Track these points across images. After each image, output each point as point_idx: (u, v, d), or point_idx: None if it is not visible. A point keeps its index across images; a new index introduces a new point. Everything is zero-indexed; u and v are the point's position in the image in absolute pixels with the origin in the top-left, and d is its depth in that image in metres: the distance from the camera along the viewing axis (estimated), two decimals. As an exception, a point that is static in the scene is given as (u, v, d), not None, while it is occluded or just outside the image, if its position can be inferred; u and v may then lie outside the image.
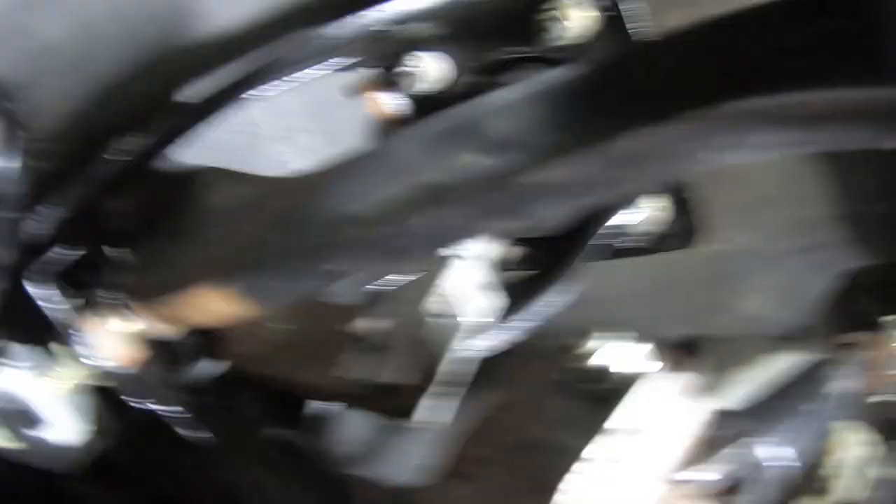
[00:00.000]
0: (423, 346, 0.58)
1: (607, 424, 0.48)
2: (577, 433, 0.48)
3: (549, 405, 0.51)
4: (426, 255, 0.38)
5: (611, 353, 0.48)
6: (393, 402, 0.57)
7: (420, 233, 0.38)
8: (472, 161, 0.40)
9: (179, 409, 0.62)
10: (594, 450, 0.46)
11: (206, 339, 0.69)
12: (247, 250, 0.46)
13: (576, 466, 0.46)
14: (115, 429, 0.76)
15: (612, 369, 0.49)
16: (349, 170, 0.48)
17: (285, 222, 0.46)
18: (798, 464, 0.70)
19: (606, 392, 0.49)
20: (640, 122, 0.35)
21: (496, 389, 0.54)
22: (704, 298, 0.90)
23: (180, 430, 0.65)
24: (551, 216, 0.37)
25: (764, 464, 0.70)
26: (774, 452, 0.70)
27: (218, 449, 0.63)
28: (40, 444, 0.64)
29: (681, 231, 0.85)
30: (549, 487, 0.47)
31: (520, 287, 0.83)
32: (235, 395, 0.70)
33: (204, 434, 0.63)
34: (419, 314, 0.58)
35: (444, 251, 0.65)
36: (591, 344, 0.48)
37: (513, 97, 0.44)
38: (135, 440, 0.83)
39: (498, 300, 0.65)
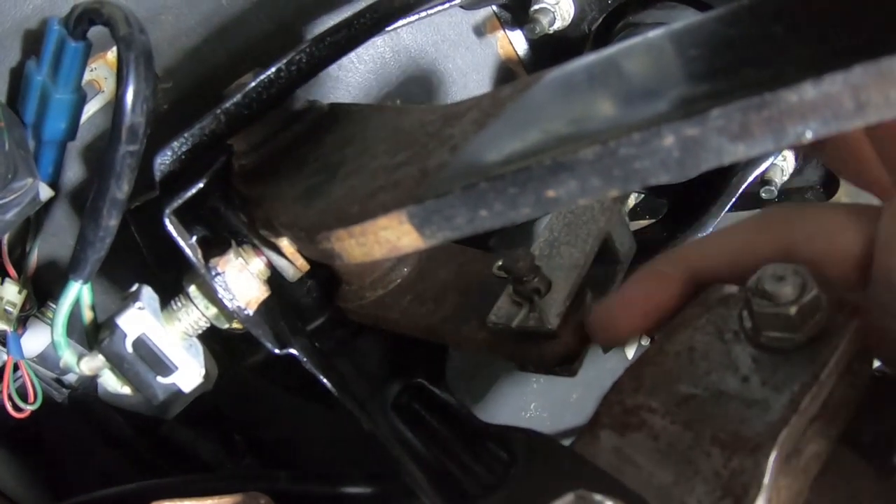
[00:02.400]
0: (584, 292, 0.54)
1: (804, 377, 0.43)
2: (771, 387, 0.44)
3: (735, 354, 0.46)
4: (613, 193, 0.34)
5: (808, 300, 0.43)
6: (550, 352, 0.53)
7: (609, 169, 0.34)
8: (641, 100, 0.35)
9: (305, 356, 0.59)
10: (795, 405, 0.42)
11: (327, 281, 0.67)
12: (421, 177, 0.42)
13: (770, 421, 0.42)
14: (223, 373, 0.75)
15: (811, 318, 0.44)
16: (506, 105, 0.44)
17: (460, 148, 0.42)
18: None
19: (803, 343, 0.44)
20: (809, 71, 0.30)
21: (664, 337, 0.49)
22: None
23: (297, 376, 0.62)
24: (724, 163, 0.33)
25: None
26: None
27: (343, 400, 0.60)
28: (160, 390, 0.61)
29: (819, 183, 0.81)
30: (743, 443, 0.42)
31: (652, 235, 0.80)
32: (357, 339, 0.67)
33: (329, 383, 0.60)
34: (579, 259, 0.54)
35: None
36: (787, 289, 0.43)
37: (658, 41, 0.40)
38: (242, 386, 0.82)
39: (635, 246, 0.61)
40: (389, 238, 0.40)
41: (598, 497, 0.39)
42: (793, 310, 0.46)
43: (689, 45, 0.38)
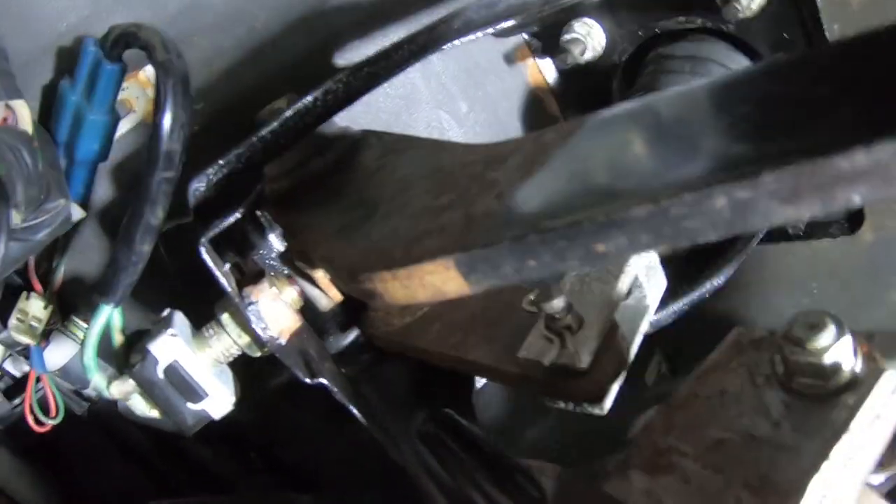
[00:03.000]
0: (615, 328, 0.54)
1: (835, 425, 0.43)
2: (802, 433, 0.44)
3: (767, 399, 0.46)
4: (642, 251, 0.35)
5: (841, 349, 0.44)
6: (581, 388, 0.53)
7: (659, 227, 0.34)
8: (691, 157, 0.36)
9: (335, 385, 0.59)
10: (826, 453, 0.42)
11: (351, 306, 0.67)
12: (467, 224, 0.43)
13: (802, 467, 0.42)
14: (250, 396, 0.75)
15: (842, 365, 0.45)
16: (552, 152, 0.44)
17: (506, 196, 0.43)
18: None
19: (834, 390, 0.45)
20: (860, 135, 0.31)
21: (697, 379, 0.50)
22: (861, 289, 0.86)
23: (318, 400, 0.63)
24: (771, 225, 0.33)
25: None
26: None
27: (371, 428, 0.60)
28: (189, 417, 0.62)
29: (845, 217, 0.82)
30: (774, 488, 0.43)
31: (680, 267, 0.80)
32: (382, 366, 0.68)
33: (357, 411, 0.60)
34: (611, 295, 0.55)
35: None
36: (821, 337, 0.43)
37: (703, 93, 0.40)
38: (261, 407, 0.82)
39: (665, 283, 0.62)
40: (435, 283, 0.41)
41: (632, 541, 0.39)
42: (825, 358, 0.46)
43: (734, 99, 0.38)
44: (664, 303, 0.71)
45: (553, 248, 0.36)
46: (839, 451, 0.44)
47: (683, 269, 0.75)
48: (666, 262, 0.80)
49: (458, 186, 0.47)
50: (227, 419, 0.81)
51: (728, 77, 0.40)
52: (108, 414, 0.84)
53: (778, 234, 0.84)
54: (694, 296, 0.72)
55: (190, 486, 0.90)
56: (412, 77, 0.73)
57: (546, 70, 0.82)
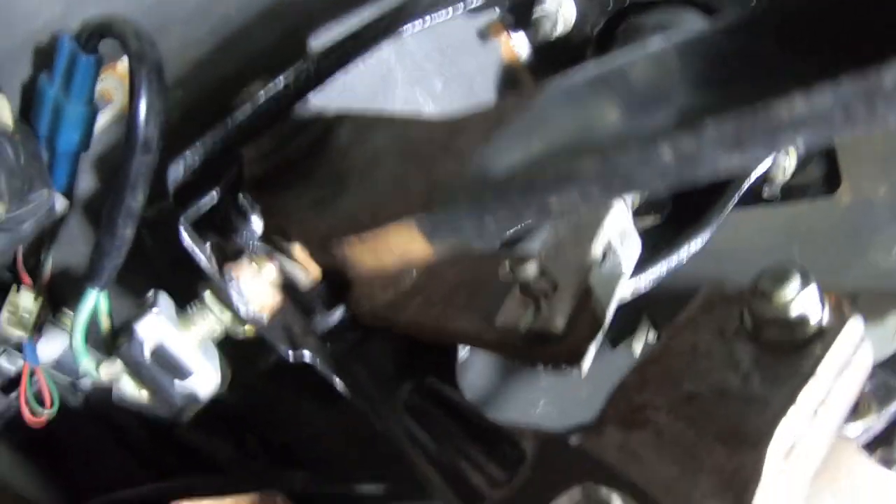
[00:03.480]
0: (589, 292, 0.56)
1: (802, 372, 0.44)
2: (771, 383, 0.45)
3: (737, 353, 0.48)
4: (612, 200, 0.36)
5: (807, 300, 0.45)
6: (558, 351, 0.55)
7: (609, 179, 0.35)
8: (639, 112, 0.37)
9: (315, 357, 0.60)
10: (793, 400, 0.43)
11: (337, 285, 0.68)
12: (430, 188, 0.44)
13: (770, 415, 0.43)
14: (235, 376, 0.76)
15: (809, 316, 0.46)
16: (510, 118, 0.45)
17: (466, 159, 0.44)
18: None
19: (802, 341, 0.46)
20: (800, 84, 0.32)
21: (668, 335, 0.51)
22: (840, 251, 0.87)
23: (308, 379, 0.64)
24: (720, 173, 0.34)
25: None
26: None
27: (356, 401, 0.61)
28: (178, 396, 0.63)
29: (822, 179, 0.82)
30: (744, 438, 0.44)
31: (657, 233, 0.81)
32: (368, 342, 0.69)
33: (343, 385, 0.61)
34: (585, 259, 0.56)
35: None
36: (787, 289, 0.44)
37: (661, 49, 0.41)
38: (254, 389, 0.83)
39: (639, 247, 0.63)
40: (400, 246, 0.42)
41: (604, 491, 0.40)
42: (792, 309, 0.47)
43: (684, 56, 0.39)
44: (642, 268, 0.72)
45: (508, 204, 0.37)
46: (806, 396, 0.45)
47: (661, 235, 0.76)
48: (643, 228, 0.82)
49: (423, 155, 0.48)
50: (220, 403, 0.82)
51: (685, 37, 0.41)
52: (104, 404, 0.85)
53: (755, 199, 0.85)
54: (672, 261, 0.73)
55: (186, 473, 0.91)
56: (387, 58, 0.73)
57: (520, 45, 0.82)
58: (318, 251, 0.49)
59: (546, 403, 0.99)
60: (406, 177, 0.46)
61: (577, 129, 0.38)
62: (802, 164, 0.84)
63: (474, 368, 0.93)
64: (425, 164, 0.46)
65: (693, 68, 0.37)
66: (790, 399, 0.44)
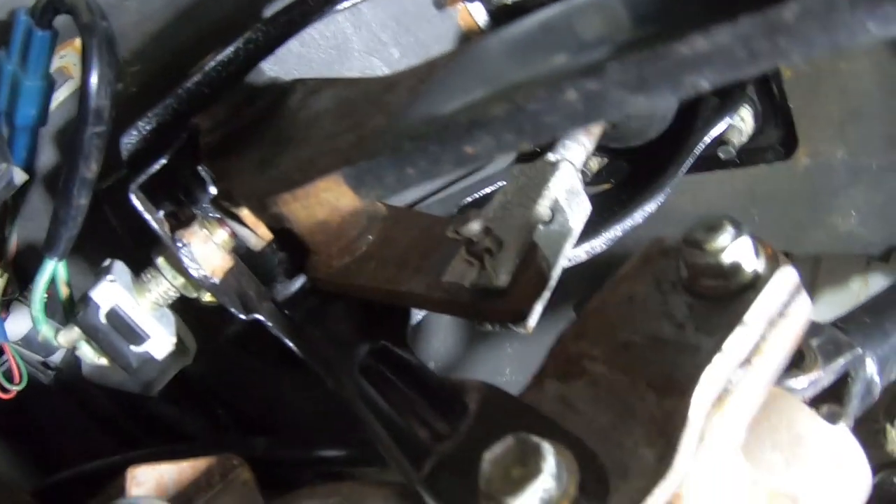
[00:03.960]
0: (534, 249, 0.56)
1: (736, 320, 0.45)
2: (704, 332, 0.46)
3: (672, 303, 0.48)
4: (525, 146, 0.37)
5: (739, 249, 0.46)
6: (503, 308, 0.55)
7: (519, 124, 0.36)
8: (561, 62, 0.38)
9: (272, 321, 0.61)
10: (719, 346, 0.44)
11: (297, 253, 0.69)
12: (358, 142, 0.45)
13: (705, 362, 0.44)
14: (202, 348, 0.77)
15: (742, 264, 0.46)
16: (444, 69, 0.46)
17: (393, 114, 0.45)
18: (879, 380, 0.69)
19: (736, 290, 0.46)
20: (748, 8, 0.32)
21: (607, 289, 0.52)
22: (799, 214, 0.88)
23: (270, 345, 0.65)
24: (627, 113, 0.35)
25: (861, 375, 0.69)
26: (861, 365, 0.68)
27: (311, 363, 0.62)
28: (133, 359, 0.64)
29: (779, 143, 0.83)
30: (675, 385, 0.45)
31: (612, 196, 0.82)
32: (326, 308, 0.70)
33: (296, 347, 0.62)
34: (530, 218, 0.57)
35: (549, 155, 0.64)
36: (719, 238, 0.45)
37: (571, 3, 0.42)
38: (220, 359, 0.84)
39: (590, 207, 0.64)
40: (329, 199, 0.43)
41: (535, 439, 0.41)
42: (724, 258, 0.48)
43: (603, 6, 0.40)
44: (597, 230, 0.73)
45: (426, 153, 0.38)
46: (734, 343, 0.46)
47: (616, 197, 0.77)
48: (599, 191, 0.82)
49: (356, 112, 0.49)
50: (189, 375, 0.83)
51: None
52: (74, 381, 0.86)
53: (712, 162, 0.86)
54: (626, 222, 0.74)
55: (161, 446, 0.91)
56: (343, 27, 0.74)
57: (476, 13, 0.83)
58: (259, 210, 0.50)
59: (512, 371, 1.00)
60: (338, 133, 0.47)
61: (491, 81, 0.39)
62: (759, 128, 0.85)
63: (438, 337, 0.95)
64: (357, 119, 0.47)
65: (598, 12, 0.38)
66: (717, 347, 0.45)
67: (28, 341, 0.81)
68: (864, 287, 1.01)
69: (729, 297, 0.48)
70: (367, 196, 0.40)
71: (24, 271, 0.79)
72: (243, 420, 0.92)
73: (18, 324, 0.79)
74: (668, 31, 0.34)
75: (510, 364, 1.01)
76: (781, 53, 0.33)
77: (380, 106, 0.46)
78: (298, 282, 0.71)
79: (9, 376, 0.77)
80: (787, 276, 0.48)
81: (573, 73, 0.34)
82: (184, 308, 0.69)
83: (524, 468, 0.40)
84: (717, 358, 0.44)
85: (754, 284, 0.48)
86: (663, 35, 0.33)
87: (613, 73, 0.33)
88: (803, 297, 0.50)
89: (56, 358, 0.85)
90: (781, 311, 0.49)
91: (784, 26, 0.32)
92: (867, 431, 0.81)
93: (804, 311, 0.50)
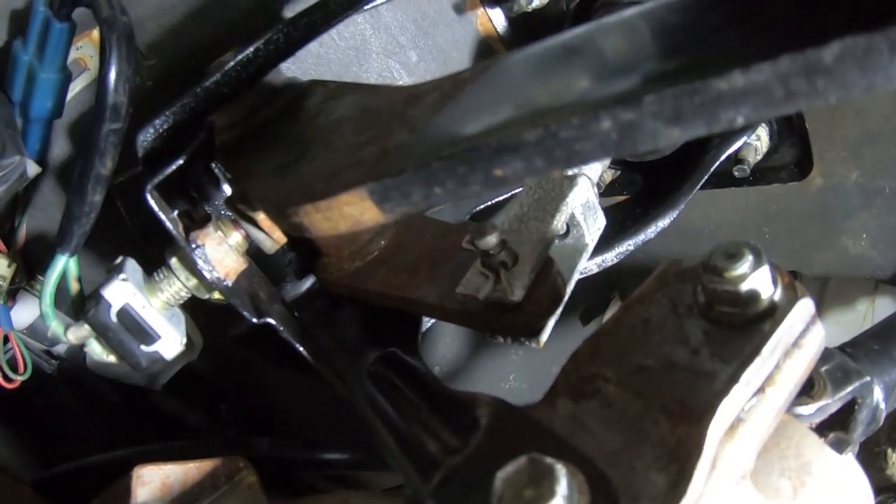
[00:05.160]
0: (550, 264, 0.56)
1: (748, 350, 0.45)
2: (719, 359, 0.46)
3: (687, 328, 0.48)
4: (556, 173, 0.37)
5: (758, 278, 0.45)
6: (516, 322, 0.55)
7: (551, 151, 0.36)
8: (585, 86, 0.37)
9: (283, 324, 0.61)
10: (737, 377, 0.44)
11: (308, 254, 0.69)
12: (382, 156, 0.44)
13: (722, 392, 0.44)
14: (208, 344, 0.77)
15: (760, 293, 0.46)
16: (471, 85, 0.46)
17: (419, 129, 0.44)
18: (885, 407, 0.69)
19: (753, 318, 0.46)
20: (763, 55, 0.32)
21: (623, 309, 0.51)
22: (811, 234, 0.88)
23: (278, 346, 0.64)
24: (661, 146, 0.35)
25: (868, 402, 0.69)
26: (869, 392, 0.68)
27: (319, 367, 0.62)
28: (143, 358, 0.64)
29: (794, 162, 0.83)
30: (689, 412, 0.45)
31: (625, 209, 0.82)
32: (336, 311, 0.69)
33: (306, 351, 0.62)
34: (547, 232, 0.56)
35: (565, 171, 0.63)
36: (739, 266, 0.45)
37: (629, 19, 0.42)
38: (226, 357, 0.84)
39: (605, 222, 0.64)
40: (353, 213, 0.42)
41: (548, 460, 0.41)
42: (743, 286, 0.48)
43: (633, 29, 0.39)
44: (610, 244, 0.73)
45: (455, 174, 0.37)
46: (751, 375, 0.46)
47: (630, 211, 0.77)
48: (613, 204, 0.82)
49: (379, 124, 0.48)
50: (194, 371, 0.83)
51: (632, 11, 0.41)
52: (78, 371, 0.85)
53: (727, 180, 0.86)
54: (639, 237, 0.74)
55: (160, 439, 0.91)
56: (362, 28, 0.74)
57: (496, 19, 0.83)
58: (277, 217, 0.50)
59: (516, 378, 1.00)
60: (361, 144, 0.46)
61: (522, 103, 0.38)
62: (775, 147, 0.85)
63: (444, 342, 0.94)
64: (381, 131, 0.46)
65: (638, 41, 0.37)
66: (734, 377, 0.45)
67: (33, 330, 0.81)
68: (872, 309, 1.01)
69: (745, 324, 0.48)
70: (392, 212, 0.40)
71: (32, 261, 0.79)
72: (246, 418, 0.92)
73: (25, 313, 0.79)
74: (705, 64, 0.33)
75: (514, 371, 1.01)
76: (819, 94, 0.33)
77: (403, 119, 0.46)
78: (308, 282, 0.71)
79: (13, 366, 0.77)
80: (804, 308, 0.48)
81: (608, 101, 0.33)
82: (192, 305, 0.69)
83: (537, 490, 0.40)
84: (734, 388, 0.44)
85: (771, 313, 0.48)
86: (700, 68, 0.33)
87: (650, 104, 0.33)
88: (818, 327, 0.50)
89: (60, 348, 0.85)
90: (796, 341, 0.49)
91: (824, 67, 0.32)
92: (868, 454, 0.81)
93: (818, 342, 0.50)
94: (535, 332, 0.55)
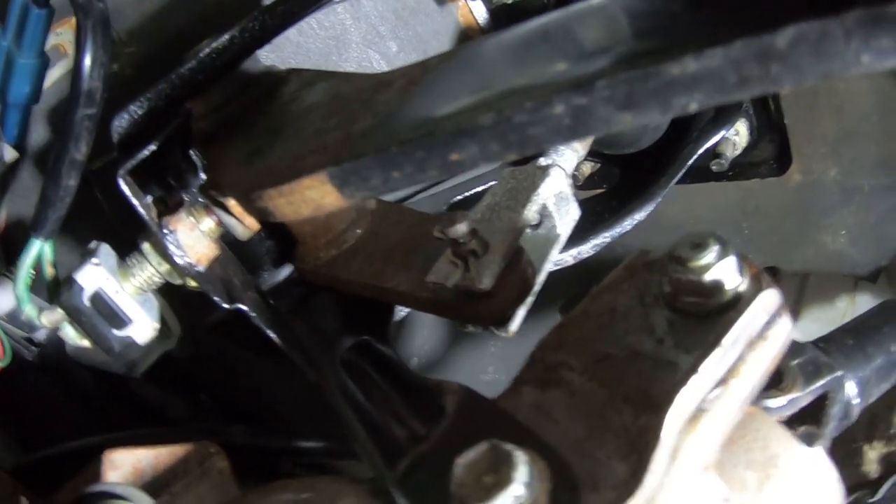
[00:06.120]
0: (520, 253, 0.56)
1: (712, 342, 0.45)
2: (683, 349, 0.46)
3: (653, 317, 0.48)
4: (512, 157, 0.37)
5: (723, 268, 0.45)
6: (486, 310, 0.55)
7: (505, 135, 0.36)
8: (560, 68, 0.37)
9: (255, 311, 0.61)
10: (696, 367, 0.44)
11: (285, 243, 0.69)
12: (345, 141, 0.44)
13: (681, 382, 0.44)
14: (187, 332, 0.77)
15: (724, 283, 0.46)
16: (436, 72, 0.46)
17: (381, 115, 0.45)
18: (859, 402, 0.69)
19: (717, 308, 0.46)
20: (717, 40, 0.32)
21: (590, 299, 0.52)
22: (789, 230, 0.89)
23: (255, 334, 0.64)
24: (614, 130, 0.35)
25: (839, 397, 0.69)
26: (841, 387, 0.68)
27: (292, 354, 0.62)
28: (115, 342, 0.64)
29: (773, 158, 0.83)
30: (650, 401, 0.45)
31: (602, 201, 0.82)
32: (312, 299, 0.70)
33: (278, 338, 0.62)
34: (518, 222, 0.56)
35: (540, 159, 0.64)
36: (703, 256, 0.45)
37: (595, 6, 0.42)
38: (205, 345, 0.84)
39: (579, 213, 0.64)
40: (314, 197, 0.43)
41: (508, 447, 0.41)
42: (707, 276, 0.48)
43: (593, 15, 0.40)
44: (586, 236, 0.73)
45: (412, 158, 0.38)
46: (710, 365, 0.46)
47: (607, 204, 0.77)
48: (589, 197, 0.82)
49: (347, 110, 0.49)
50: (173, 358, 0.83)
51: None
52: (58, 358, 0.85)
53: (705, 174, 0.86)
54: (615, 229, 0.74)
55: (139, 426, 0.92)
56: (342, 18, 0.74)
57: (476, 10, 0.83)
58: (244, 202, 0.50)
59: (495, 370, 1.00)
60: (327, 130, 0.46)
61: (480, 89, 0.39)
62: (754, 143, 0.85)
63: (422, 333, 0.95)
64: (346, 117, 0.47)
65: (595, 26, 0.38)
66: (694, 367, 0.45)
67: (13, 317, 0.81)
68: (852, 306, 1.01)
69: (709, 315, 0.48)
70: (352, 196, 0.40)
71: (12, 247, 0.79)
72: (225, 406, 0.92)
73: (4, 299, 0.79)
74: (661, 49, 0.34)
75: (493, 363, 1.01)
76: (773, 80, 0.33)
77: (370, 105, 0.46)
78: (285, 271, 0.71)
79: (-7, 352, 0.77)
80: (769, 299, 0.48)
81: (562, 86, 0.34)
82: (170, 292, 0.69)
83: (496, 475, 0.40)
84: (693, 379, 0.44)
85: (736, 304, 0.48)
86: (656, 54, 0.33)
87: (602, 89, 0.33)
88: (785, 319, 0.50)
89: (40, 335, 0.85)
90: (761, 333, 0.49)
91: (777, 53, 0.32)
92: (844, 451, 0.81)
93: (785, 334, 0.50)
94: (505, 321, 0.55)
